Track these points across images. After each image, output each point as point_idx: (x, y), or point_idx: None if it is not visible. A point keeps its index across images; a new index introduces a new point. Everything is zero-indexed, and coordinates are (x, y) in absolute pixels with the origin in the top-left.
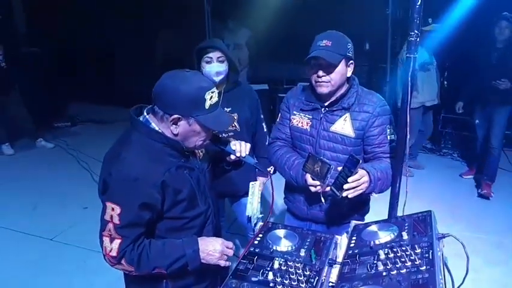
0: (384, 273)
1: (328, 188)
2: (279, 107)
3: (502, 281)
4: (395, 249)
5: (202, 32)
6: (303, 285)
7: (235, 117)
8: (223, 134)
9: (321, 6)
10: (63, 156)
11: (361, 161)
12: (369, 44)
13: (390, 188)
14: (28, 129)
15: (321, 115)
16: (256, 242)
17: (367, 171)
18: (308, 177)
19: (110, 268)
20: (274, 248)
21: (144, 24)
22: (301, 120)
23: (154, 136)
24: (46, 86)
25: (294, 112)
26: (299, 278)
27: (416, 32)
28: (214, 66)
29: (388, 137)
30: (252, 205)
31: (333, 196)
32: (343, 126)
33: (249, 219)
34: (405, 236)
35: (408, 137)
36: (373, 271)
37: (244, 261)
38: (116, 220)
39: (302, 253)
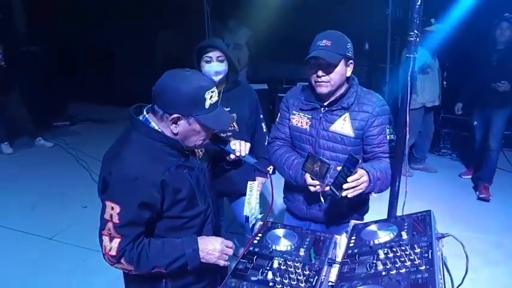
0: (384, 273)
1: (327, 188)
2: (279, 107)
3: (502, 280)
4: (394, 249)
5: (202, 32)
6: (303, 285)
7: (234, 117)
8: (222, 134)
9: (321, 6)
10: (62, 155)
11: (360, 161)
12: (368, 44)
13: (389, 187)
14: (28, 129)
15: (321, 115)
16: (255, 242)
17: (367, 171)
18: (307, 176)
19: (110, 267)
20: (273, 247)
21: (144, 24)
22: (300, 120)
23: (154, 135)
24: (46, 85)
25: (294, 112)
26: (298, 277)
27: (416, 32)
28: (214, 66)
29: (388, 136)
30: (250, 205)
31: (332, 196)
32: (343, 126)
33: (247, 218)
34: (405, 235)
35: (408, 137)
36: (372, 271)
37: (244, 260)
38: (116, 219)
39: (301, 252)
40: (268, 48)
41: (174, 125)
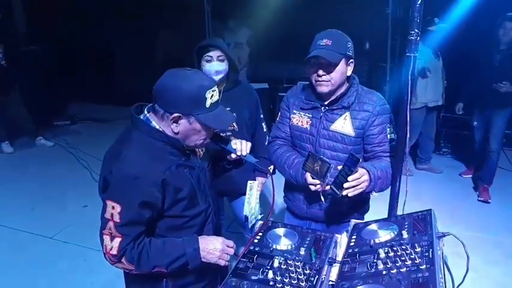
0: (384, 272)
1: (328, 187)
2: (279, 106)
3: (502, 280)
4: (395, 248)
5: (202, 31)
6: (303, 284)
7: (234, 117)
8: (222, 134)
9: (321, 6)
10: (62, 154)
11: (361, 160)
12: (369, 43)
13: (390, 187)
14: (28, 129)
15: (321, 114)
16: (256, 241)
17: (367, 170)
18: (308, 176)
19: (110, 266)
20: (274, 246)
21: (144, 24)
22: (301, 119)
23: (154, 134)
24: (46, 85)
25: (294, 111)
26: (299, 276)
27: (416, 31)
28: (214, 65)
29: (388, 136)
30: (250, 204)
31: (332, 195)
32: (343, 125)
33: (246, 218)
34: (405, 234)
35: (408, 136)
36: (373, 270)
37: (244, 259)
38: (117, 218)
39: (302, 252)
40: (269, 48)
41: (174, 124)
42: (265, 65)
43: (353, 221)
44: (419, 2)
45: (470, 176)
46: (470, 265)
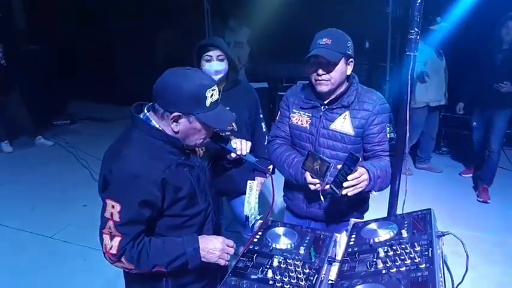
0: (384, 271)
1: (327, 186)
2: (279, 106)
3: (501, 280)
4: (394, 247)
5: (202, 31)
6: (302, 283)
7: (234, 116)
8: (222, 133)
9: (321, 5)
10: (62, 154)
11: (360, 159)
12: (368, 43)
13: (390, 186)
14: (28, 129)
15: (321, 113)
16: (255, 240)
17: (367, 169)
18: (307, 175)
19: (110, 266)
20: (273, 245)
21: (144, 24)
22: (300, 118)
23: (154, 134)
24: (46, 85)
25: (294, 110)
26: (298, 275)
27: (416, 30)
28: (214, 65)
29: (388, 135)
30: (250, 204)
31: (332, 194)
32: (343, 124)
33: (247, 218)
34: (405, 234)
35: (408, 135)
36: (372, 269)
37: (244, 258)
38: (116, 217)
39: (301, 251)
40: (269, 47)
41: (174, 123)
42: (265, 64)
43: (352, 220)
44: (419, 1)
45: (470, 175)
46: (470, 264)
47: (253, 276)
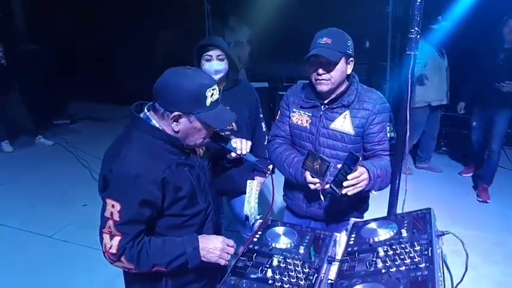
0: (383, 271)
1: (327, 186)
2: (279, 105)
3: (501, 279)
4: (394, 247)
5: (202, 31)
6: (302, 283)
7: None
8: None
9: (321, 4)
10: (62, 153)
11: (360, 159)
12: (369, 42)
13: (390, 185)
14: (28, 129)
15: (321, 113)
16: (255, 239)
17: (367, 169)
18: (307, 174)
19: (110, 265)
20: (273, 245)
21: (144, 24)
22: (300, 118)
23: (154, 133)
24: (46, 85)
25: (294, 109)
26: (298, 275)
27: (416, 29)
28: (214, 64)
29: (388, 134)
30: (250, 204)
31: (332, 193)
32: (343, 123)
33: (247, 218)
34: (404, 233)
35: (408, 134)
36: (372, 268)
37: (243, 258)
38: (116, 217)
39: (301, 250)
40: (269, 47)
41: (175, 123)
42: (265, 64)
43: (352, 220)
44: (419, 0)
45: (470, 174)
46: (470, 264)
47: (252, 276)
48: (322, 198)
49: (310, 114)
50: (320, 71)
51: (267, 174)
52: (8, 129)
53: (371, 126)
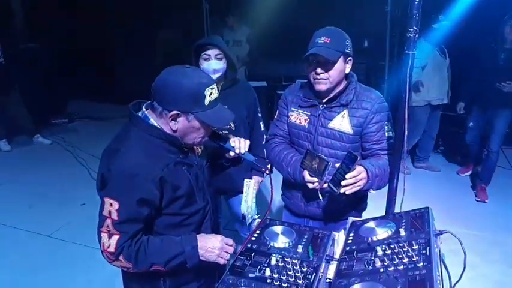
0: (381, 270)
1: (325, 185)
2: (277, 104)
3: (499, 279)
4: (392, 246)
5: (201, 30)
6: (300, 282)
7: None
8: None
9: (320, 3)
10: (60, 152)
11: (358, 158)
12: (367, 41)
13: (388, 184)
14: (28, 129)
15: (319, 112)
16: (253, 238)
17: (365, 168)
18: (306, 173)
19: (108, 265)
20: (271, 244)
21: (143, 24)
22: (299, 117)
23: (153, 132)
24: (46, 85)
25: (292, 109)
26: (296, 274)
27: (415, 28)
28: (212, 64)
29: (386, 133)
30: (247, 203)
31: (330, 193)
32: (341, 123)
33: (244, 217)
34: (402, 232)
35: (406, 134)
36: (370, 267)
37: (242, 257)
38: (114, 216)
39: (299, 249)
40: (267, 46)
41: (173, 121)
42: (264, 63)
43: (350, 219)
44: None
45: (468, 173)
46: (468, 263)
47: (251, 275)
48: (320, 197)
49: (309, 113)
50: (318, 70)
51: (265, 174)
52: (8, 129)
53: (369, 125)
